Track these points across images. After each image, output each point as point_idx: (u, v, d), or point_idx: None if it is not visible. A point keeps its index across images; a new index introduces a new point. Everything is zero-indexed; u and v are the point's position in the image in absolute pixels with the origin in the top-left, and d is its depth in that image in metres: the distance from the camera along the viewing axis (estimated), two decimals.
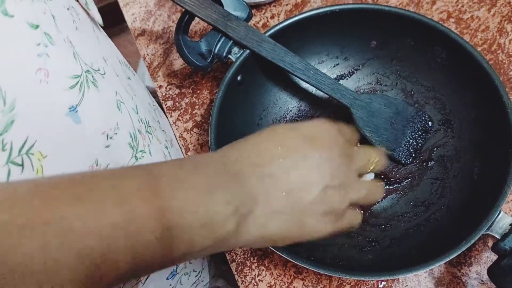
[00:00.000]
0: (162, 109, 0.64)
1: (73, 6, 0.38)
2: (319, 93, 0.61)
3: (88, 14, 0.43)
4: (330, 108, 0.60)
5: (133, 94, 0.46)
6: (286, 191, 0.32)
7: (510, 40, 0.61)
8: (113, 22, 1.20)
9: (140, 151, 0.41)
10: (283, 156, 0.33)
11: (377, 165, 0.39)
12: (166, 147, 0.52)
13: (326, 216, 0.34)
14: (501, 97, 0.49)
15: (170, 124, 0.62)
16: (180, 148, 0.61)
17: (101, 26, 0.47)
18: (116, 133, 0.37)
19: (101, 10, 0.50)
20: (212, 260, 0.66)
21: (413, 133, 0.55)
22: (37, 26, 0.29)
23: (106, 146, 0.36)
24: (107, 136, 0.36)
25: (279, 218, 0.32)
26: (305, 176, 0.33)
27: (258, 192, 0.31)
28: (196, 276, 0.62)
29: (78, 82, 0.32)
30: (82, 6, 0.41)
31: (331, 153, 0.34)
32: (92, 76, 0.35)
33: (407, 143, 0.55)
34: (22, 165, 0.28)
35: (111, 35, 0.67)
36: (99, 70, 0.37)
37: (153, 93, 0.66)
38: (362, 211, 0.53)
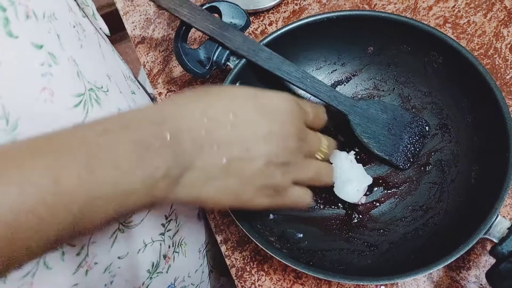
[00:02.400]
0: None
1: (80, 23, 0.38)
2: (315, 100, 0.61)
3: (95, 27, 0.43)
4: (329, 114, 0.60)
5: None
6: (227, 159, 0.32)
7: (506, 45, 0.61)
8: (114, 29, 1.21)
9: None
10: (233, 125, 0.32)
11: (325, 156, 0.41)
12: None
13: (264, 190, 0.35)
14: (497, 101, 0.49)
15: None
16: None
17: (106, 36, 0.48)
18: None
19: (102, 18, 0.51)
20: (211, 272, 0.66)
21: (410, 138, 0.55)
22: (41, 46, 0.30)
23: None
24: None
25: (215, 185, 0.32)
26: (250, 148, 0.33)
27: (194, 158, 0.30)
28: None
29: (82, 100, 0.33)
30: (89, 19, 0.41)
31: (283, 131, 0.34)
32: (96, 94, 0.36)
33: (405, 148, 0.55)
34: None
35: (112, 42, 0.67)
36: (102, 87, 0.38)
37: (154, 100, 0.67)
38: (360, 215, 0.53)
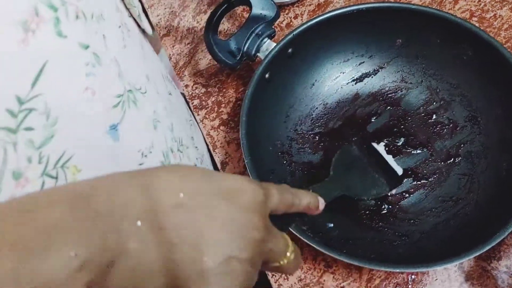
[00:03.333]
0: (190, 108, 0.65)
1: (126, 23, 0.39)
2: (343, 92, 0.62)
3: (139, 27, 0.43)
4: (356, 105, 0.60)
5: (171, 111, 0.46)
6: (172, 248, 0.24)
7: None
8: None
9: None
10: (183, 208, 0.25)
11: (289, 263, 0.31)
12: (195, 165, 0.51)
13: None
14: None
15: (198, 123, 0.63)
16: (210, 152, 0.61)
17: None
18: (151, 152, 0.37)
19: None
20: None
21: (375, 165, 0.54)
22: (87, 47, 0.30)
23: (140, 164, 0.36)
24: (142, 154, 0.36)
25: (154, 281, 0.25)
26: (207, 237, 0.25)
27: (126, 243, 0.23)
28: None
29: (120, 101, 0.33)
30: (134, 19, 0.42)
31: (248, 219, 0.27)
32: (134, 95, 0.36)
33: (381, 175, 0.54)
34: (56, 177, 0.28)
35: None
36: (140, 88, 0.38)
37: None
38: (390, 206, 0.53)
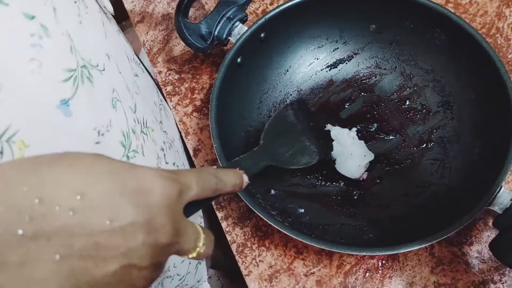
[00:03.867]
0: (162, 94, 0.64)
1: (83, 0, 0.38)
2: (317, 78, 0.61)
3: (99, 5, 0.42)
4: (331, 91, 0.60)
5: (135, 92, 0.45)
6: (62, 255, 0.22)
7: (508, 24, 0.61)
8: (117, 18, 1.20)
9: (133, 150, 0.40)
10: (79, 210, 0.23)
11: (199, 256, 0.31)
12: (162, 149, 0.50)
13: None
14: (502, 77, 0.49)
15: (171, 108, 0.62)
16: (182, 139, 0.61)
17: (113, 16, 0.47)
18: (108, 130, 0.36)
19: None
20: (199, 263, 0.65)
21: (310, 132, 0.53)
22: (33, 17, 0.29)
23: (97, 143, 0.35)
24: (99, 132, 0.35)
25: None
26: (101, 243, 0.23)
27: (7, 252, 0.21)
28: (179, 280, 0.61)
29: (72, 76, 0.32)
30: None
31: (153, 222, 0.25)
32: (89, 72, 0.34)
33: (313, 142, 0.53)
34: (1, 152, 0.27)
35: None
36: (97, 66, 0.36)
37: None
38: (361, 191, 0.53)
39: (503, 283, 0.47)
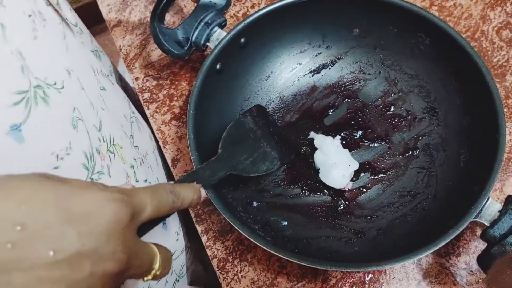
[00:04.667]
0: (138, 103, 0.61)
1: (40, 11, 0.35)
2: (300, 84, 0.59)
3: (61, 18, 0.40)
4: (314, 98, 0.58)
5: (101, 107, 0.43)
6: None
7: (493, 27, 0.60)
8: (93, 21, 1.16)
9: (97, 172, 0.38)
10: (18, 243, 0.21)
11: (154, 278, 0.30)
12: (132, 166, 0.47)
13: None
14: (487, 83, 0.47)
15: (148, 116, 0.59)
16: (157, 156, 0.58)
17: (75, 26, 0.44)
18: (68, 154, 0.34)
19: (79, 10, 0.48)
20: (176, 281, 0.62)
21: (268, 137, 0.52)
22: None
23: (55, 168, 0.32)
24: (57, 156, 0.32)
25: None
26: (43, 278, 0.22)
27: None
28: None
29: (23, 98, 0.29)
30: (54, 8, 0.38)
31: (101, 250, 0.24)
32: (44, 92, 0.32)
33: (274, 148, 0.51)
34: None
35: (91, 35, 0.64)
36: (55, 84, 0.34)
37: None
38: (346, 202, 0.51)
39: None
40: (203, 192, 0.39)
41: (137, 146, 0.50)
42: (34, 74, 0.31)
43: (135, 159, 0.48)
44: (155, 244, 0.31)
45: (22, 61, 0.30)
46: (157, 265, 0.30)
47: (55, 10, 0.38)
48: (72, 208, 0.24)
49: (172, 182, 0.40)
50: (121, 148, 0.44)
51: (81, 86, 0.38)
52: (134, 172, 0.47)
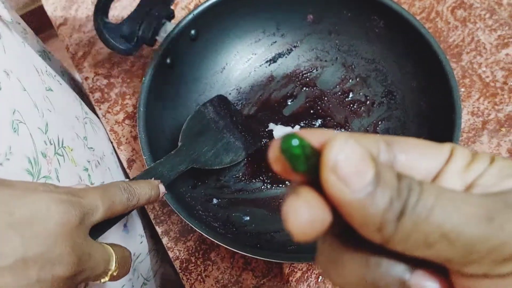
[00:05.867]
0: (90, 104, 0.58)
1: None
2: (257, 75, 0.57)
3: None
4: (272, 88, 0.57)
5: (47, 109, 0.40)
6: None
7: (447, 8, 0.60)
8: (43, 26, 1.11)
9: (43, 177, 0.35)
10: None
11: (111, 279, 0.29)
12: (86, 169, 0.45)
13: None
14: (442, 64, 0.47)
15: (100, 118, 0.57)
16: (116, 157, 0.56)
17: (9, 23, 0.41)
18: (8, 159, 0.32)
19: (32, 13, 0.45)
20: (144, 284, 0.60)
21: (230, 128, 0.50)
22: None
23: None
24: None
25: None
26: None
27: None
28: None
29: None
30: None
31: (48, 254, 0.23)
32: None
33: (238, 137, 0.50)
34: None
35: (42, 40, 0.60)
36: None
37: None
38: None
39: None
40: (162, 188, 0.37)
41: (91, 148, 0.48)
42: None
43: (89, 162, 0.45)
44: (110, 244, 0.30)
45: None
46: (113, 266, 0.28)
47: None
48: (15, 211, 0.23)
49: (127, 180, 0.38)
50: (71, 150, 0.42)
51: (22, 87, 0.36)
52: (89, 175, 0.45)
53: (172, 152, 0.43)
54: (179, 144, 0.45)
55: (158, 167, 0.41)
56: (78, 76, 0.67)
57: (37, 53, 0.46)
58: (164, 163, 0.42)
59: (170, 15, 0.52)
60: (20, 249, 0.22)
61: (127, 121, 0.56)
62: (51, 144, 0.38)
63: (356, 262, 0.15)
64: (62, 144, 0.41)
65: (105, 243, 0.30)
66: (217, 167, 0.47)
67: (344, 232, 0.16)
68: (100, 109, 0.57)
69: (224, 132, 0.49)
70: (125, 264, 0.30)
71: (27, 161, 0.34)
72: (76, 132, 0.46)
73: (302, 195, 0.15)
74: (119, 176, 0.54)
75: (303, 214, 0.14)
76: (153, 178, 0.39)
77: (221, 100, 0.52)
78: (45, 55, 0.60)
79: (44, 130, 0.38)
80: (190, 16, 0.51)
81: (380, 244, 0.15)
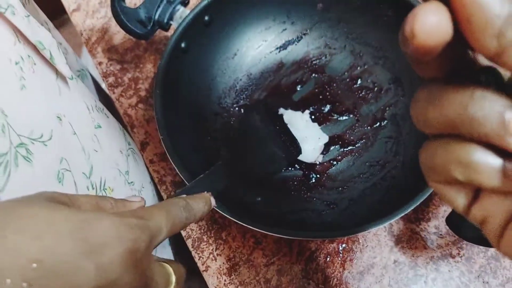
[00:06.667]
0: (115, 109, 0.59)
1: (29, 55, 0.31)
2: (267, 61, 0.59)
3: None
4: (281, 74, 0.58)
5: (94, 149, 0.40)
6: None
7: None
8: (54, 14, 1.12)
9: None
10: (35, 279, 0.20)
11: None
12: None
13: None
14: None
15: (114, 101, 0.58)
16: (154, 185, 0.56)
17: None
18: None
19: (38, 3, 0.45)
20: None
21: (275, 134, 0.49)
22: None
23: None
24: None
25: None
26: None
27: None
28: None
29: (2, 163, 0.27)
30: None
31: (120, 281, 0.23)
32: (26, 149, 0.29)
33: (280, 147, 0.48)
34: None
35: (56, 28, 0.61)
36: (41, 137, 0.31)
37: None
38: (318, 175, 0.52)
39: (461, 256, 0.47)
40: (213, 202, 0.37)
41: (132, 182, 0.48)
42: (17, 131, 0.28)
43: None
44: (168, 261, 0.30)
45: (2, 119, 0.27)
46: (172, 286, 0.29)
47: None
48: (89, 239, 0.22)
49: (184, 195, 0.36)
50: (112, 190, 0.41)
51: (72, 131, 0.35)
52: None
53: (219, 163, 0.43)
54: (225, 154, 0.45)
55: (209, 177, 0.40)
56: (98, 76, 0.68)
57: (76, 73, 0.44)
58: (213, 172, 0.41)
59: (185, 1, 0.53)
60: (94, 279, 0.21)
61: (140, 105, 0.58)
62: (93, 188, 0.38)
63: (460, 94, 0.16)
64: (104, 186, 0.40)
65: (164, 261, 0.30)
66: (261, 175, 0.47)
67: (450, 74, 0.17)
68: (114, 93, 0.59)
69: (267, 142, 0.47)
70: (181, 281, 0.30)
71: None
72: (119, 168, 0.45)
73: (433, 2, 0.15)
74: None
75: (433, 16, 0.15)
76: (205, 192, 0.38)
77: (264, 106, 0.51)
78: (84, 74, 0.59)
79: (88, 175, 0.37)
80: (205, 2, 0.52)
81: (491, 58, 0.15)
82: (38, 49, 0.32)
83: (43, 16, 0.39)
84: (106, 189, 0.41)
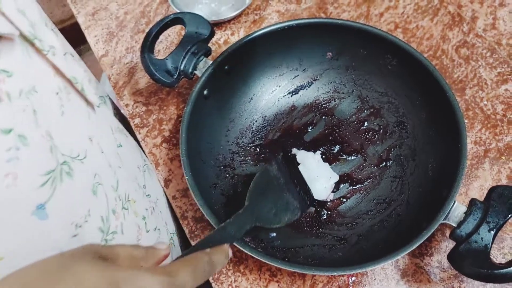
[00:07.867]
0: (131, 127, 0.65)
1: (65, 86, 0.35)
2: (280, 104, 0.64)
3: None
4: (294, 116, 0.63)
5: (118, 166, 0.43)
6: None
7: (452, 46, 0.66)
8: (76, 42, 1.19)
9: (111, 232, 0.38)
10: None
11: None
12: (144, 217, 0.48)
13: None
14: (448, 97, 0.53)
15: (140, 141, 0.63)
16: (166, 198, 0.60)
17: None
18: (87, 221, 0.34)
19: (63, 31, 0.50)
20: None
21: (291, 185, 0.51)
22: (10, 131, 0.27)
23: (74, 236, 0.33)
24: (76, 225, 0.33)
25: None
26: None
27: None
28: None
29: (50, 178, 0.30)
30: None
31: None
32: (69, 166, 0.32)
33: (295, 196, 0.51)
34: None
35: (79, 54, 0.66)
36: (78, 155, 0.34)
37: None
38: (329, 211, 0.56)
39: None
40: (230, 253, 0.39)
41: (149, 195, 0.51)
42: (61, 151, 0.32)
43: (146, 209, 0.48)
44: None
45: (51, 141, 0.30)
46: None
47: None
48: None
49: (208, 249, 0.38)
50: (134, 202, 0.45)
51: (101, 150, 0.39)
52: (145, 223, 0.48)
53: (239, 212, 0.46)
54: (246, 203, 0.48)
55: (227, 227, 0.43)
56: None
57: (100, 99, 0.48)
58: (232, 223, 0.43)
59: (208, 52, 0.58)
60: None
61: (164, 145, 0.63)
62: (120, 200, 0.42)
63: None
64: (128, 198, 0.44)
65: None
66: (276, 226, 0.48)
67: None
68: (139, 133, 0.64)
69: (285, 191, 0.50)
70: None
71: (100, 220, 0.37)
72: (138, 182, 0.49)
73: None
74: (168, 218, 0.58)
75: None
76: (225, 244, 0.39)
77: (284, 157, 0.54)
78: (105, 99, 0.63)
79: (115, 187, 0.41)
80: (225, 54, 0.57)
81: None
82: (72, 83, 0.37)
83: (70, 49, 0.44)
84: (129, 200, 0.44)
